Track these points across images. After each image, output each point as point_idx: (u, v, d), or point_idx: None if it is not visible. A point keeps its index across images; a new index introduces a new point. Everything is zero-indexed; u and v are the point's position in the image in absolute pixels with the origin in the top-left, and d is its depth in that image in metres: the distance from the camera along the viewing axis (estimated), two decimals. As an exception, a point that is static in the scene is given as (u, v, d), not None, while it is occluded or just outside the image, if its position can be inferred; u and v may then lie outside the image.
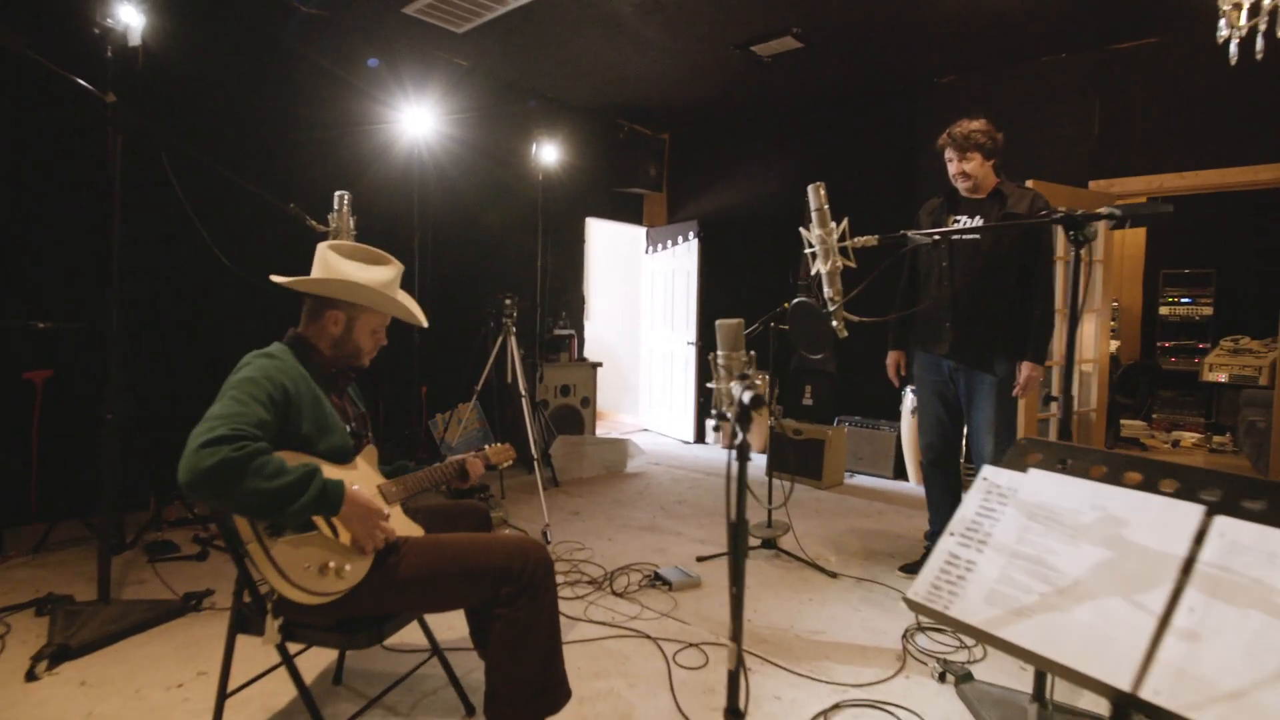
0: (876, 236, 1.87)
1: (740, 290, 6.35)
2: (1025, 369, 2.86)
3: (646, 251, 6.92)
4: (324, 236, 2.91)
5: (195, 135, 3.79)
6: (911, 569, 3.21)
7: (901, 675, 2.33)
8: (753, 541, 3.53)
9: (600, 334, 7.27)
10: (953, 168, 2.91)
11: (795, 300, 1.58)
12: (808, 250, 1.86)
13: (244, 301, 4.01)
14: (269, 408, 1.55)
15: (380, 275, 1.80)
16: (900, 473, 5.11)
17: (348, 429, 1.82)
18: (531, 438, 4.04)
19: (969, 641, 2.56)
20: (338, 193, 2.90)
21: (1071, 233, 1.90)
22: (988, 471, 1.18)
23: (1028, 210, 2.84)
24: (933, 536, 3.24)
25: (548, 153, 4.89)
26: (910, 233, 1.91)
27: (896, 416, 5.20)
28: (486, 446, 2.24)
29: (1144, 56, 4.33)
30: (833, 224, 1.80)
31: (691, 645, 2.50)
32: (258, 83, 4.14)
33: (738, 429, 1.08)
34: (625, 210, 6.86)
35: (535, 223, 5.27)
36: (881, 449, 5.17)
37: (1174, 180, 4.22)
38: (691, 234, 6.26)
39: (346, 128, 4.41)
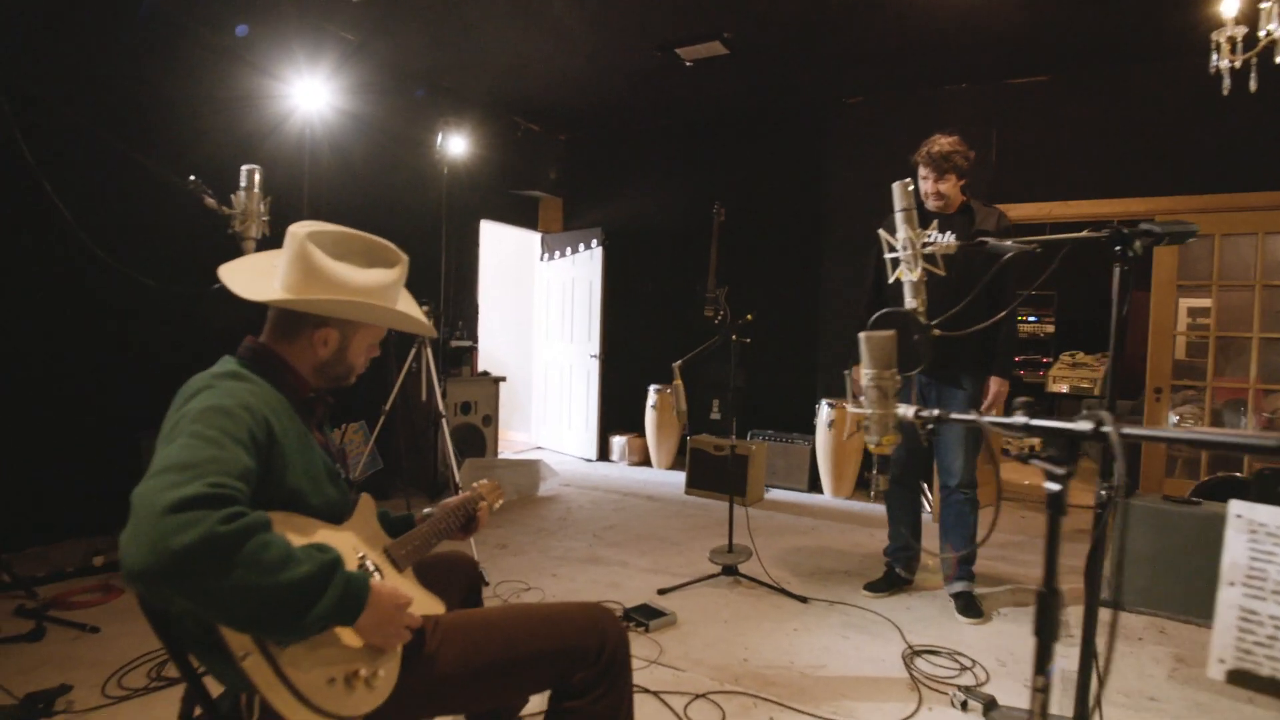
0: (956, 242, 1.73)
1: (646, 302, 6.16)
2: (994, 384, 2.90)
3: (542, 259, 6.53)
4: (226, 221, 2.30)
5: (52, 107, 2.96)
6: (875, 588, 3.14)
7: (924, 709, 2.20)
8: (712, 569, 3.31)
9: (488, 346, 6.74)
10: (928, 186, 2.89)
11: (883, 311, 1.38)
12: (889, 255, 1.67)
13: (123, 302, 3.22)
14: (251, 451, 1.07)
15: (383, 278, 1.35)
16: (815, 485, 5.15)
17: (340, 474, 1.36)
18: (453, 462, 3.54)
19: (966, 662, 2.51)
20: (245, 167, 2.30)
21: (1118, 248, 1.88)
22: (1239, 508, 1.02)
23: (995, 227, 2.89)
24: (893, 552, 3.20)
25: (455, 145, 4.42)
26: (990, 241, 1.79)
27: (809, 430, 5.24)
28: (476, 485, 1.83)
29: (1035, 92, 4.71)
30: (920, 228, 1.64)
31: (699, 696, 2.22)
32: (124, 48, 3.35)
33: (1054, 470, 0.83)
34: (520, 214, 6.43)
35: (436, 221, 4.75)
36: (796, 462, 5.18)
37: (1061, 208, 4.61)
38: (595, 241, 5.98)
39: (230, 101, 3.66)
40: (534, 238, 6.59)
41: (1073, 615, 3.01)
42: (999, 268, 2.86)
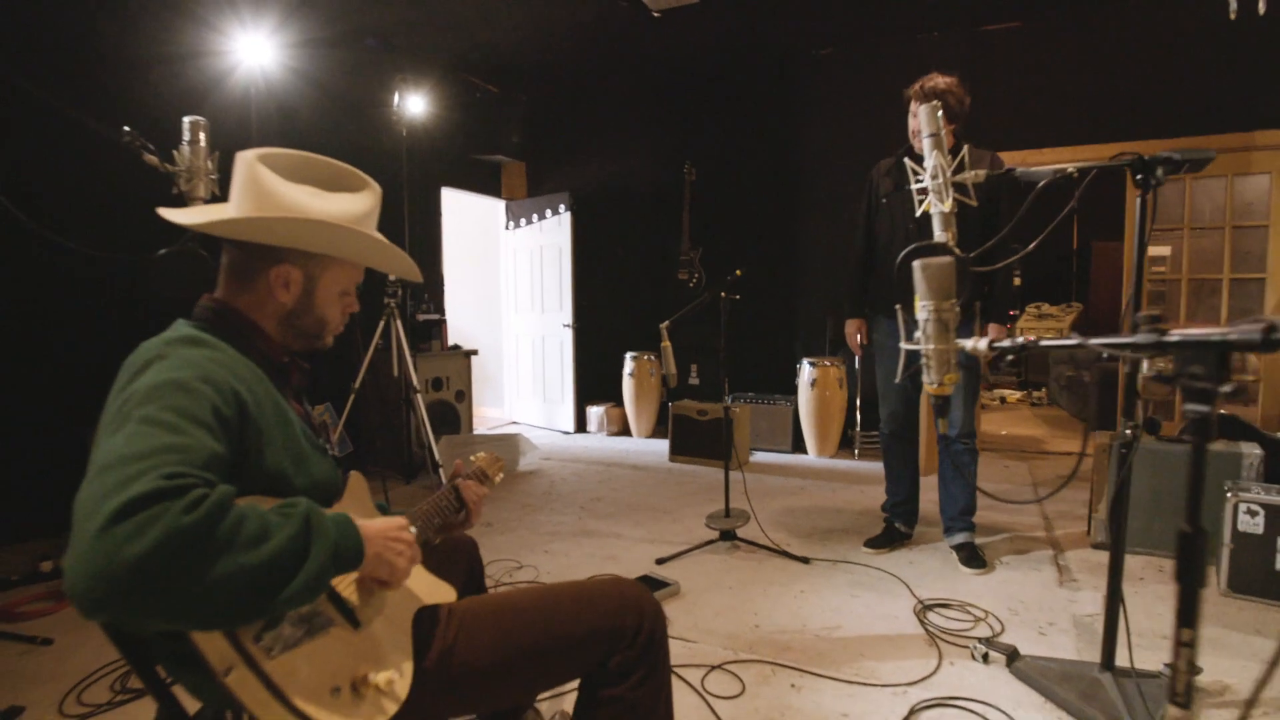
0: (984, 171, 1.61)
1: (619, 268, 5.99)
2: (992, 330, 2.82)
3: (507, 227, 6.28)
4: (168, 180, 2.05)
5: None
6: (876, 544, 3.09)
7: (945, 664, 2.14)
8: (709, 535, 3.22)
9: (455, 320, 6.48)
10: (915, 124, 2.78)
11: (915, 245, 1.26)
12: (916, 185, 1.55)
13: (61, 276, 2.93)
14: (218, 434, 0.89)
15: (350, 205, 1.15)
16: (798, 446, 5.09)
17: (326, 447, 1.18)
18: (431, 440, 3.35)
19: (979, 613, 2.47)
20: (188, 119, 2.05)
21: (1140, 176, 1.79)
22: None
23: (988, 170, 2.79)
24: (892, 507, 3.15)
25: (413, 105, 4.14)
26: (1019, 170, 1.68)
27: (789, 390, 5.17)
28: (474, 458, 1.66)
29: (1007, 39, 4.63)
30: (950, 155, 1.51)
31: (715, 668, 2.12)
32: None
33: (1204, 389, 0.70)
34: (481, 181, 6.15)
35: (396, 188, 4.48)
36: (779, 424, 5.11)
37: (1034, 156, 4.56)
38: (563, 206, 5.75)
39: (169, 55, 3.32)
40: (497, 205, 6.32)
41: (1072, 559, 3.00)
42: (1005, 208, 2.78)
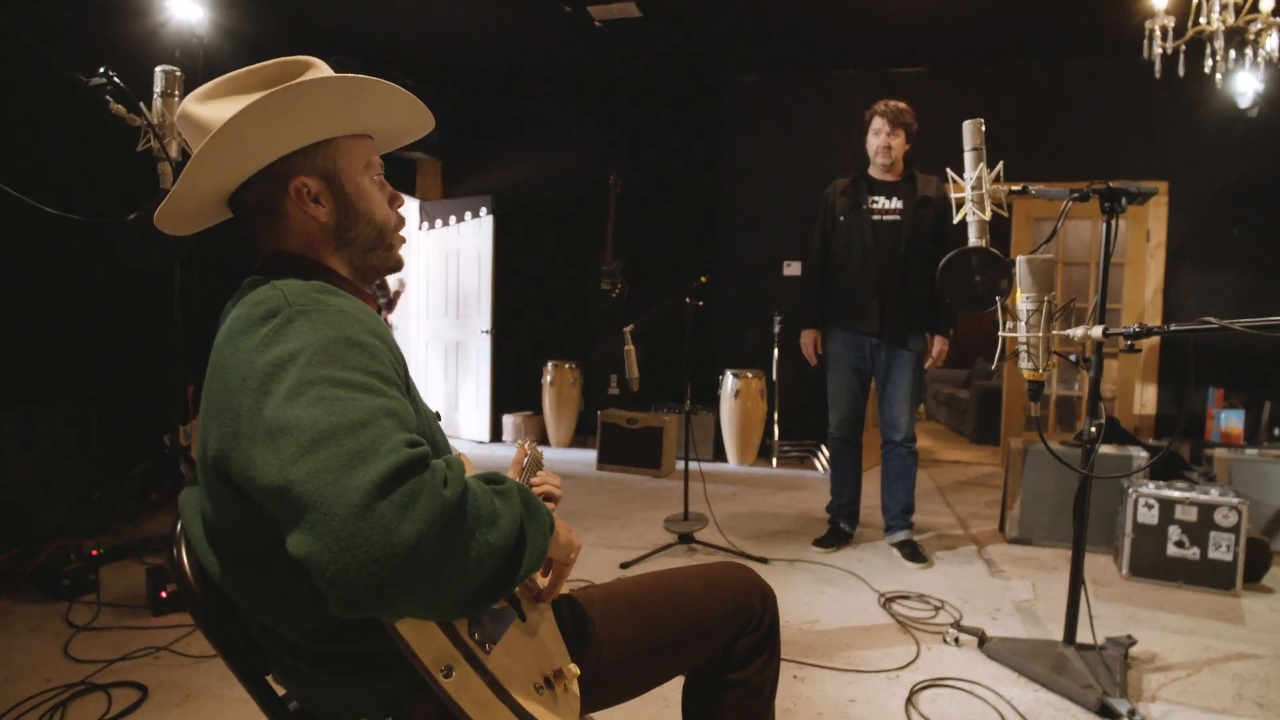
0: (1022, 184, 1.76)
1: (539, 275, 5.89)
2: (938, 342, 3.08)
3: (420, 227, 6.00)
4: (136, 133, 1.79)
5: None
6: (824, 543, 3.24)
7: (924, 648, 2.29)
8: (667, 538, 3.23)
9: (357, 322, 6.09)
10: (880, 139, 2.99)
11: (957, 251, 1.38)
12: (955, 195, 1.67)
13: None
14: (405, 396, 0.81)
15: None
16: (719, 455, 5.23)
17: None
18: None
19: (936, 603, 2.65)
20: (161, 68, 1.81)
21: (1108, 204, 2.03)
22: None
23: (936, 194, 3.06)
24: (837, 509, 3.31)
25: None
26: (1035, 189, 1.84)
27: (710, 401, 5.31)
28: (524, 444, 1.55)
29: (913, 82, 5.09)
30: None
31: (717, 665, 2.13)
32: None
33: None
34: (396, 177, 5.82)
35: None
36: (701, 433, 5.21)
37: (938, 190, 5.04)
38: (484, 210, 5.59)
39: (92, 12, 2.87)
40: (411, 205, 6.03)
41: (994, 554, 3.30)
42: (951, 229, 3.03)
